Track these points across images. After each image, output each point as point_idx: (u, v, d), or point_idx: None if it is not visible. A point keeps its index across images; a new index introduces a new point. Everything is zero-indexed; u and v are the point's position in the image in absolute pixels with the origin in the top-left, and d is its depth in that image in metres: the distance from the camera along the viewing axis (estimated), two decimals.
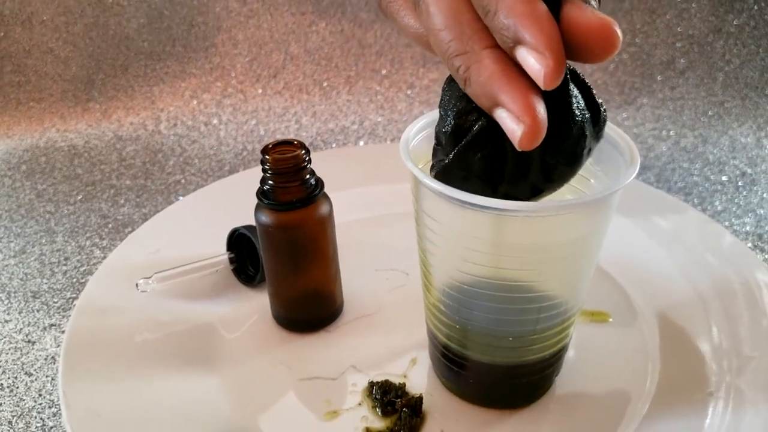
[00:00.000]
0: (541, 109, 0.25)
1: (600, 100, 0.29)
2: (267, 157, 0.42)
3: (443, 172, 0.30)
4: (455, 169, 0.29)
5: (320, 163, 0.48)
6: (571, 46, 0.25)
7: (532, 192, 0.29)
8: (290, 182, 0.42)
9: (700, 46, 0.85)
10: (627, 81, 0.86)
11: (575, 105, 0.27)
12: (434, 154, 0.31)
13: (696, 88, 0.85)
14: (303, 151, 0.42)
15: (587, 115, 0.28)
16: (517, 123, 0.25)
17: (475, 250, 0.33)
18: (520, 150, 0.25)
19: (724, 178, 0.71)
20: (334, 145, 0.81)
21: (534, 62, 0.24)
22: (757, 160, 0.74)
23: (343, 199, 0.50)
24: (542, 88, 0.24)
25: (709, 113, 0.82)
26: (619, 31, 0.24)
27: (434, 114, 0.35)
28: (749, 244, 0.59)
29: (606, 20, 0.24)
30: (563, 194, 0.37)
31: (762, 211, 0.64)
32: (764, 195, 0.67)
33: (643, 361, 0.44)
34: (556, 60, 0.24)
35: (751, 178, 0.71)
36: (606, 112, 0.29)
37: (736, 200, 0.67)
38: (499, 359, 0.38)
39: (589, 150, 0.29)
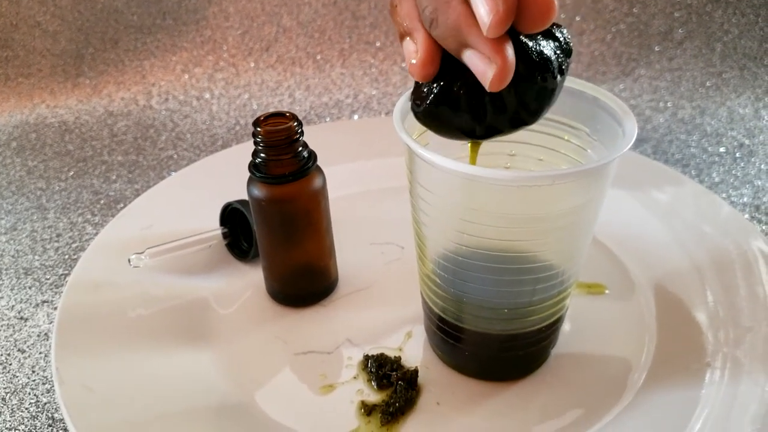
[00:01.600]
0: (509, 50, 0.26)
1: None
2: (259, 129, 0.41)
3: (430, 107, 0.30)
4: (441, 105, 0.29)
5: (314, 138, 0.47)
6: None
7: (514, 123, 0.30)
8: (282, 155, 0.41)
9: (698, 15, 0.84)
10: (624, 52, 0.85)
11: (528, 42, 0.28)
12: (414, 90, 0.31)
13: (694, 58, 0.84)
14: (295, 123, 0.41)
15: (541, 41, 0.28)
16: (488, 64, 0.26)
17: (469, 221, 0.32)
18: (489, 90, 0.26)
19: (721, 150, 0.70)
20: (328, 119, 0.80)
21: (484, 5, 0.24)
22: (755, 131, 0.74)
23: (338, 173, 0.50)
24: (487, 35, 0.25)
25: (707, 84, 0.81)
26: (556, 6, 0.25)
27: None
28: (747, 216, 0.59)
29: None
30: (559, 164, 0.37)
31: (759, 182, 0.64)
32: (762, 166, 0.67)
33: (640, 332, 0.44)
34: (507, 7, 0.24)
35: (749, 149, 0.70)
36: (563, 30, 0.29)
37: (733, 171, 0.66)
38: (495, 331, 0.37)
39: (561, 69, 0.29)
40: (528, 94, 0.28)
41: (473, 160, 0.33)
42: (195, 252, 0.49)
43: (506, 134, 0.30)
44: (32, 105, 0.85)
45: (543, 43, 0.28)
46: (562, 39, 0.29)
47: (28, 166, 0.73)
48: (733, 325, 0.42)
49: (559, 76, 0.29)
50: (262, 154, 0.41)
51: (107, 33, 0.88)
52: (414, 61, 0.28)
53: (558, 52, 0.29)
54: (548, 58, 0.28)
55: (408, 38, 0.28)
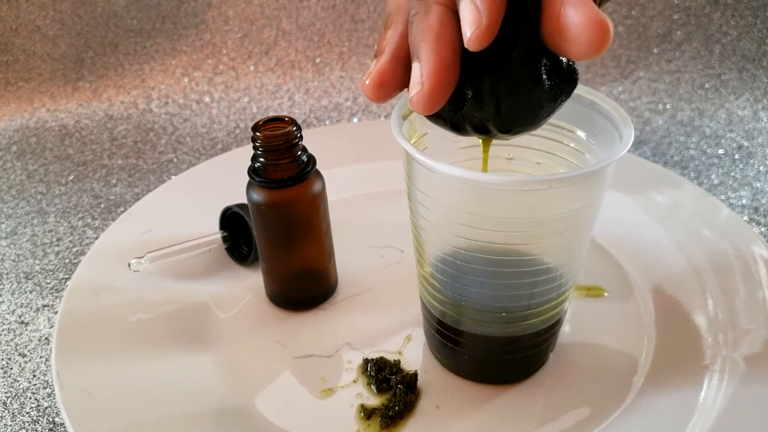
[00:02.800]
0: (448, 80, 0.25)
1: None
2: (258, 134, 0.41)
3: None
4: None
5: (314, 141, 0.47)
6: (560, 37, 0.24)
7: (484, 129, 0.28)
8: (281, 159, 0.41)
9: (697, 17, 0.84)
10: (623, 54, 0.85)
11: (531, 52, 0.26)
12: None
13: (693, 60, 0.84)
14: (294, 128, 0.41)
15: (541, 59, 0.26)
16: (417, 83, 0.25)
17: (467, 224, 0.32)
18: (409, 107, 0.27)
19: (720, 152, 0.70)
20: (327, 122, 0.80)
21: (468, 17, 0.24)
22: (753, 132, 0.74)
23: (337, 176, 0.50)
24: (467, 47, 0.24)
25: (706, 86, 0.82)
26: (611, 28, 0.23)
27: None
28: (745, 218, 0.59)
29: (601, 18, 0.22)
30: (557, 168, 0.37)
31: (758, 184, 0.64)
32: (761, 168, 0.67)
33: (639, 335, 0.44)
34: (490, 23, 0.23)
35: (747, 151, 0.70)
36: (572, 62, 0.28)
37: (732, 173, 0.66)
38: (494, 333, 0.38)
39: (555, 96, 0.27)
40: (509, 105, 0.27)
41: (485, 162, 0.33)
42: (195, 256, 0.50)
43: (492, 136, 0.29)
44: (32, 109, 0.85)
45: (544, 64, 0.26)
46: (566, 68, 0.27)
47: (29, 170, 0.73)
48: (732, 328, 0.43)
49: (546, 99, 0.27)
50: (261, 159, 0.42)
51: (107, 37, 0.88)
52: (367, 82, 0.28)
53: (555, 76, 0.27)
54: (539, 77, 0.26)
55: (376, 59, 0.28)
